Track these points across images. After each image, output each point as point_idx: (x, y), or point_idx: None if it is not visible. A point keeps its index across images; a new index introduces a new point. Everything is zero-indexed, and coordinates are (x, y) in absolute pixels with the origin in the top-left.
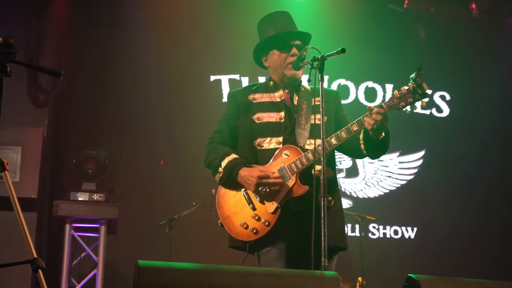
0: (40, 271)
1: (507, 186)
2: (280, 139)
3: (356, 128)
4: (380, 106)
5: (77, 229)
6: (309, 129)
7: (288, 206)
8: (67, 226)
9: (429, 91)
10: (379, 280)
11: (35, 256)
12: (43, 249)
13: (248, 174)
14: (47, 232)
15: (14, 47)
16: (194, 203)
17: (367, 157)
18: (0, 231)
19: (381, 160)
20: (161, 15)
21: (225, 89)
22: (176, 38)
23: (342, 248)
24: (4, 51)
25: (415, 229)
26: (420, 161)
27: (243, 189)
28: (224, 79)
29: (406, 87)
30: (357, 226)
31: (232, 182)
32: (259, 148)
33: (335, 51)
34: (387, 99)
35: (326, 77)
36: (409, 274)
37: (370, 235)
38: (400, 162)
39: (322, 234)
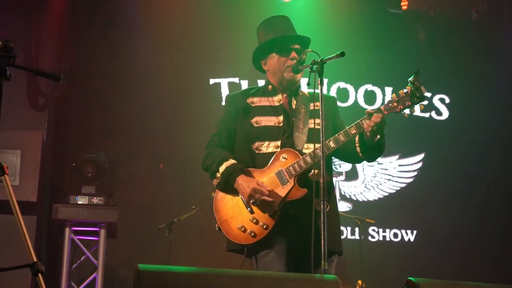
0: (40, 275)
1: (507, 189)
2: (278, 143)
3: (354, 131)
4: (378, 109)
5: (77, 233)
6: (307, 133)
7: (286, 210)
8: (67, 230)
9: (427, 94)
10: (379, 283)
11: (35, 260)
12: (42, 252)
13: (246, 184)
14: (47, 236)
15: (13, 51)
16: (193, 207)
17: (363, 160)
18: (0, 235)
19: (381, 163)
20: (160, 18)
21: (225, 92)
22: (176, 41)
23: (338, 252)
24: (4, 55)
25: (414, 232)
26: (420, 164)
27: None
28: (224, 83)
29: (404, 90)
30: (356, 229)
31: (229, 187)
32: (257, 151)
33: (335, 54)
34: (386, 102)
35: (325, 81)
36: (409, 278)
37: (369, 238)
38: (399, 165)
39: (322, 237)
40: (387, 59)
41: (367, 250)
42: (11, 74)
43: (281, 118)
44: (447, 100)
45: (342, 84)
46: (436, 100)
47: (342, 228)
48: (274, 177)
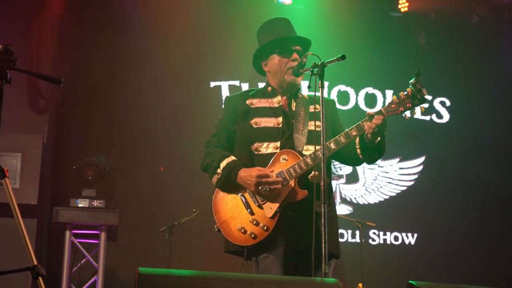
0: (40, 278)
1: (508, 192)
2: (278, 144)
3: (355, 133)
4: (379, 111)
5: (77, 236)
6: (307, 135)
7: (285, 211)
8: (67, 233)
9: (428, 97)
10: (379, 286)
11: (35, 263)
12: (43, 255)
13: (248, 174)
14: (47, 239)
15: (14, 54)
16: (194, 209)
17: (363, 163)
18: (0, 238)
19: (381, 166)
20: (160, 21)
21: (225, 95)
22: (176, 44)
23: (336, 255)
24: (4, 58)
25: (415, 235)
26: (420, 167)
27: (240, 194)
28: (224, 85)
29: (405, 93)
30: (357, 232)
31: (230, 184)
32: (256, 152)
33: (335, 57)
34: (386, 104)
35: (326, 84)
36: (409, 281)
37: (370, 241)
38: (400, 168)
39: (322, 240)
40: (387, 62)
41: (367, 253)
42: (12, 77)
43: (280, 119)
44: (448, 103)
45: (342, 87)
46: (436, 103)
47: (342, 231)
48: (275, 173)
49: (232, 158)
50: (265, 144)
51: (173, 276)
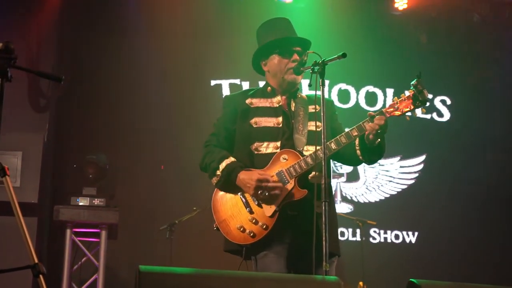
0: (41, 276)
1: (508, 190)
2: (278, 144)
3: (356, 134)
4: (380, 112)
5: (78, 234)
6: (307, 135)
7: (284, 211)
8: (68, 231)
9: (430, 96)
10: (380, 284)
11: (36, 261)
12: (43, 254)
13: (248, 177)
14: (48, 237)
15: (14, 52)
16: (194, 208)
17: (363, 163)
18: (1, 236)
19: (382, 165)
20: (161, 20)
21: (226, 93)
22: (177, 42)
23: (337, 254)
24: (5, 56)
25: (416, 233)
26: (421, 166)
27: (240, 192)
28: (225, 84)
29: (406, 94)
30: (358, 230)
31: (229, 185)
32: (256, 152)
33: (336, 55)
34: (387, 104)
35: (326, 82)
36: (410, 279)
37: (371, 239)
38: (401, 167)
39: (324, 239)
40: (388, 60)
41: (368, 251)
42: (12, 76)
43: (280, 119)
44: (449, 102)
45: (343, 86)
46: (437, 102)
47: (343, 229)
48: (274, 178)
49: (232, 159)
50: (265, 143)
51: (174, 274)
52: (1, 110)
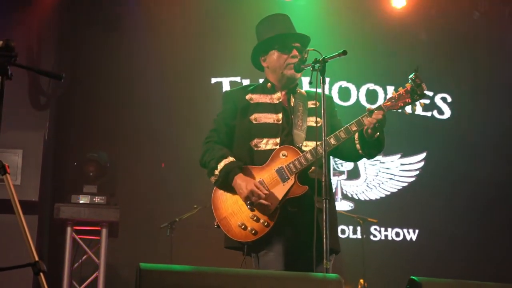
0: (41, 274)
1: (509, 188)
2: (277, 140)
3: (355, 129)
4: (379, 106)
5: (78, 232)
6: (306, 131)
7: (285, 207)
8: (68, 229)
9: (429, 93)
10: (380, 282)
11: (36, 259)
12: (44, 252)
13: (243, 184)
14: (48, 235)
15: (15, 50)
16: (195, 206)
17: (363, 158)
18: (1, 234)
19: (383, 162)
20: (161, 17)
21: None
22: (177, 40)
23: (336, 250)
24: (5, 54)
25: (416, 231)
26: (422, 163)
27: None
28: (225, 82)
29: (404, 88)
30: (358, 228)
31: (227, 185)
32: (255, 148)
33: (337, 53)
34: (386, 99)
35: (327, 80)
36: (411, 277)
37: (371, 237)
38: (401, 164)
39: (324, 236)
40: (389, 58)
41: (369, 249)
42: (13, 73)
43: (280, 115)
44: (449, 99)
45: (343, 83)
46: (438, 99)
47: (344, 227)
48: (274, 174)
49: (230, 159)
50: (265, 140)
51: (174, 272)
52: (1, 108)
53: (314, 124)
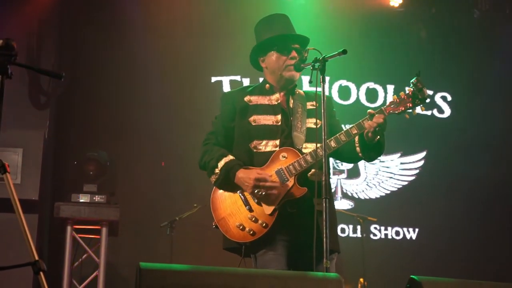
0: (41, 273)
1: (509, 187)
2: (277, 142)
3: (355, 131)
4: (380, 110)
5: (79, 231)
6: (306, 133)
7: (284, 208)
8: (68, 228)
9: (429, 92)
10: (380, 281)
11: (37, 258)
12: (44, 251)
13: (246, 176)
14: (48, 234)
15: (15, 49)
16: (195, 205)
17: (362, 160)
18: (1, 233)
19: (383, 161)
20: (161, 16)
21: (226, 90)
22: (177, 39)
23: (337, 251)
24: (5, 53)
25: (416, 230)
26: (422, 162)
27: (239, 190)
28: (225, 80)
29: (406, 92)
30: (358, 227)
31: (228, 183)
32: (255, 150)
33: (337, 52)
34: (388, 100)
35: (327, 79)
36: (411, 276)
37: (371, 236)
38: (401, 163)
39: (324, 236)
40: (388, 57)
41: (369, 248)
42: (13, 73)
43: (279, 117)
44: (449, 98)
45: (343, 82)
46: (438, 98)
47: (344, 226)
48: (274, 176)
49: (230, 157)
50: (264, 142)
51: (174, 271)
52: (1, 107)
53: (314, 126)
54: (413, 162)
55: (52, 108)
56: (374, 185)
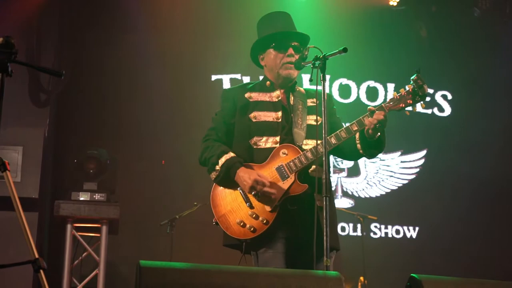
0: (41, 271)
1: (509, 185)
2: (277, 138)
3: (356, 128)
4: (380, 107)
5: (79, 229)
6: (306, 129)
7: (284, 205)
8: (69, 226)
9: (429, 91)
10: (380, 279)
11: (37, 256)
12: (44, 249)
13: (246, 175)
14: (48, 232)
15: (15, 47)
16: (195, 203)
17: (363, 157)
18: (1, 231)
19: (383, 160)
20: (161, 15)
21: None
22: (177, 37)
23: (337, 248)
24: (5, 51)
25: (416, 228)
26: (422, 161)
27: (239, 187)
28: (226, 79)
29: (406, 89)
30: (358, 225)
31: (228, 180)
32: (255, 147)
33: (337, 50)
34: (388, 99)
35: (327, 77)
36: (411, 274)
37: (371, 234)
38: (401, 162)
39: (324, 233)
40: (389, 55)
41: (369, 246)
42: (13, 70)
43: (279, 113)
44: (449, 97)
45: (344, 81)
46: (438, 97)
47: (344, 224)
48: (274, 172)
49: (231, 154)
50: (264, 138)
51: (175, 269)
52: (1, 105)
53: (314, 123)
54: (414, 160)
55: (52, 106)
56: (375, 183)
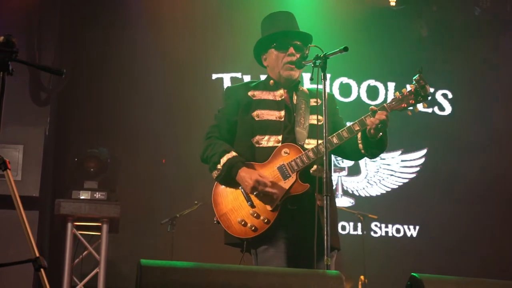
0: (42, 270)
1: (509, 184)
2: (279, 137)
3: (358, 128)
4: (382, 107)
5: (79, 228)
6: (308, 129)
7: (285, 204)
8: (69, 225)
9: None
10: (381, 278)
11: (37, 255)
12: (45, 247)
13: (248, 176)
14: (49, 231)
15: (15, 46)
16: (196, 202)
17: (365, 157)
18: (2, 230)
19: (383, 159)
20: (162, 13)
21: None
22: (178, 36)
23: (337, 248)
24: (6, 50)
25: (417, 227)
26: (422, 160)
27: (240, 186)
28: (226, 78)
29: (408, 89)
30: (359, 224)
31: (230, 179)
32: (257, 145)
33: (338, 49)
34: (389, 97)
35: (328, 76)
36: (412, 273)
37: (372, 233)
38: (402, 161)
39: (325, 233)
40: (390, 54)
41: (369, 245)
42: (14, 69)
43: (282, 113)
44: (450, 96)
45: (344, 79)
46: (438, 96)
47: (344, 223)
48: (276, 171)
49: (233, 153)
50: (267, 137)
51: (175, 268)
52: (2, 104)
53: (316, 122)
54: (414, 159)
55: (52, 104)
56: (375, 182)
